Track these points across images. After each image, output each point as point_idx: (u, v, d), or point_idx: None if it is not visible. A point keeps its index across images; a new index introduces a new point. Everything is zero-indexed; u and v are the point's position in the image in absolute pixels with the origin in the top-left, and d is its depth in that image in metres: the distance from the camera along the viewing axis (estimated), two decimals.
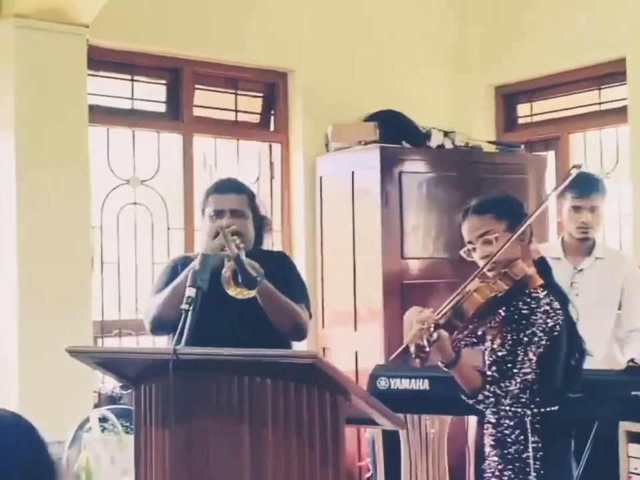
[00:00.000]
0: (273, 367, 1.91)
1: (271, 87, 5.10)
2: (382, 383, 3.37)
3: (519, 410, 2.49)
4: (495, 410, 2.52)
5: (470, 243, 2.56)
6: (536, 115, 5.52)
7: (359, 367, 4.74)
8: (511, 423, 2.50)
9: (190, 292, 2.03)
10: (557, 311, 2.46)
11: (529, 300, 2.45)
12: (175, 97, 4.74)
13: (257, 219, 3.09)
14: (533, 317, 2.43)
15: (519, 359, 2.42)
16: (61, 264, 4.07)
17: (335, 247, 4.91)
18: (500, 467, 2.53)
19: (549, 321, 2.45)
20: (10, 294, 4.03)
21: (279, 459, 1.95)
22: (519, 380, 2.45)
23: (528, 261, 2.54)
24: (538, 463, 2.47)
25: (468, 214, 2.57)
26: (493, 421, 2.55)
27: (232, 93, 4.98)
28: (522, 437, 2.49)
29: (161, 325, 2.92)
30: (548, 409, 2.49)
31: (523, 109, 5.61)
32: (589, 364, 3.02)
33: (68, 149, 4.15)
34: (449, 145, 4.84)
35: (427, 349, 2.35)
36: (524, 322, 2.43)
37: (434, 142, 4.76)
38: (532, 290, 2.47)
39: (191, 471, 2.01)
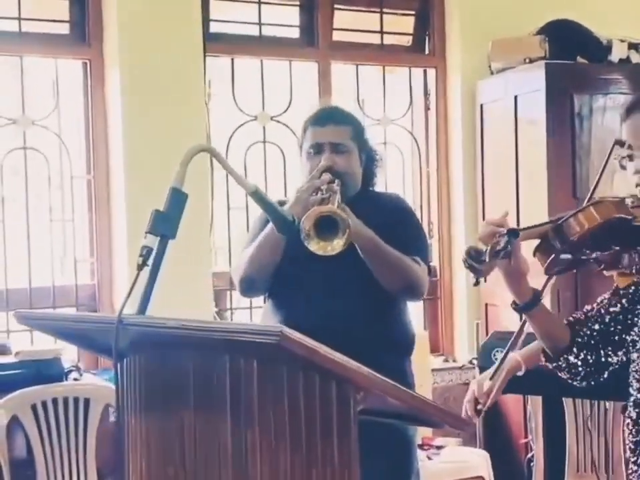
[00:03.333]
0: (258, 347, 1.37)
1: (424, 3, 4.42)
2: (498, 356, 2.69)
3: None
4: (638, 400, 1.81)
5: (630, 148, 1.86)
6: None
7: (525, 326, 4.06)
8: None
9: (147, 240, 1.53)
10: None
11: None
12: (310, 19, 4.18)
13: (365, 154, 2.61)
14: None
15: (638, 321, 1.73)
16: None
17: (497, 186, 4.22)
18: None
19: None
20: (120, 247, 3.75)
21: (267, 466, 1.42)
22: None
23: None
24: None
25: (634, 110, 1.85)
26: (634, 415, 1.84)
27: (377, 12, 4.34)
28: None
29: (251, 286, 2.55)
30: None
31: None
32: None
33: (181, 83, 3.76)
34: (636, 58, 3.97)
35: (484, 258, 1.64)
36: None
37: (615, 55, 3.90)
38: None
39: (166, 470, 1.54)
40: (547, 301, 3.83)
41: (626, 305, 1.76)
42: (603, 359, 1.76)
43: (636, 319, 1.74)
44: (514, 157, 4.05)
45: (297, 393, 1.40)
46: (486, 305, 4.36)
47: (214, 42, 3.95)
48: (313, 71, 4.20)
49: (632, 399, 1.85)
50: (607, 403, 3.50)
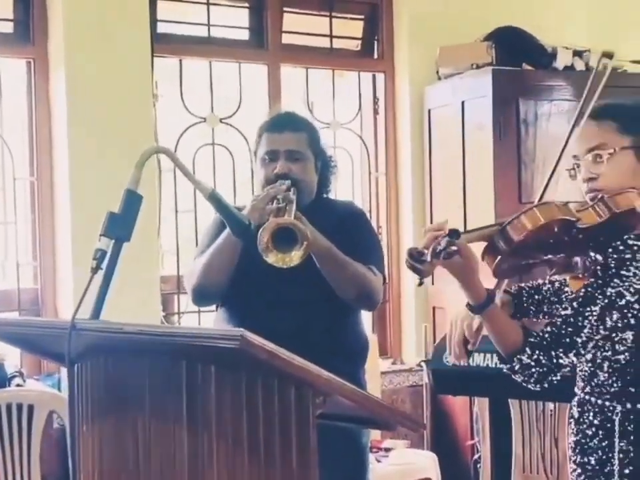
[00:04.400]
0: (216, 352, 1.36)
1: (373, 8, 4.44)
2: (449, 359, 2.70)
3: (607, 404, 1.81)
4: (581, 399, 1.86)
5: (576, 157, 1.90)
6: None
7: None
8: (595, 421, 1.83)
9: (100, 243, 1.51)
10: None
11: (622, 247, 1.74)
12: (259, 21, 4.17)
13: (320, 161, 2.59)
14: (623, 272, 1.73)
15: (587, 324, 1.74)
16: None
17: (444, 191, 4.26)
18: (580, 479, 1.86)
19: None
20: (64, 250, 3.68)
21: (224, 473, 1.41)
22: (589, 358, 1.79)
23: None
24: None
25: (578, 122, 2.03)
26: (576, 415, 1.89)
27: (326, 16, 4.35)
28: (606, 442, 1.81)
29: (203, 295, 2.52)
30: None
31: None
32: None
33: (128, 83, 3.71)
34: (580, 66, 4.04)
35: (425, 258, 1.67)
36: (607, 276, 1.74)
37: (560, 62, 3.97)
38: (632, 236, 1.75)
39: (119, 478, 1.52)
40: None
41: (577, 307, 1.77)
42: (555, 360, 1.75)
43: (586, 321, 1.75)
44: (461, 161, 4.09)
45: (256, 397, 1.39)
46: (433, 308, 4.40)
47: (161, 43, 3.91)
48: (262, 73, 4.18)
49: (576, 398, 1.89)
50: (553, 404, 3.56)
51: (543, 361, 1.74)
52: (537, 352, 1.75)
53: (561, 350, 1.74)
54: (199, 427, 1.43)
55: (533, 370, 1.75)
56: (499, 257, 1.79)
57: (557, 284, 2.07)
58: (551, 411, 3.57)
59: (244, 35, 4.22)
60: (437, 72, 4.27)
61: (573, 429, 1.89)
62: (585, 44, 4.19)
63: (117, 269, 1.52)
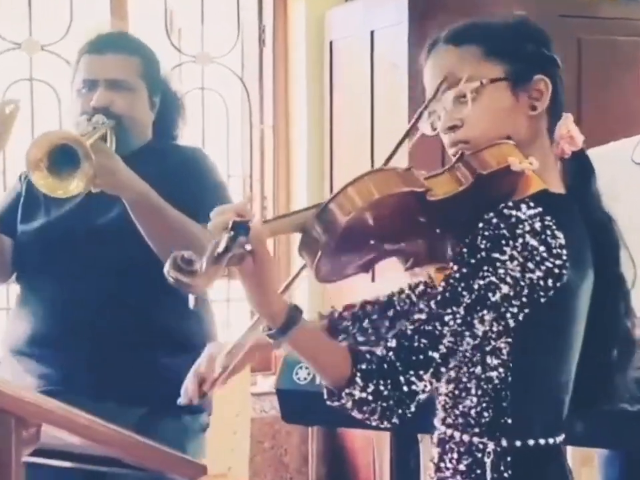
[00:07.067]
0: None
1: None
2: (301, 375, 2.37)
3: (476, 440, 1.55)
4: (441, 435, 1.61)
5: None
6: None
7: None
8: (461, 466, 1.56)
9: None
10: (555, 252, 1.49)
11: (496, 220, 1.49)
12: None
13: (158, 96, 2.42)
14: (496, 254, 1.48)
15: (448, 331, 1.48)
16: None
17: (349, 145, 3.90)
18: None
19: (530, 266, 1.48)
20: None
21: None
22: (452, 376, 1.55)
23: (538, 149, 1.59)
24: None
25: (436, 46, 1.64)
26: (436, 456, 1.62)
27: None
28: None
29: None
30: (535, 442, 1.55)
31: None
32: None
33: None
34: None
35: (197, 268, 1.33)
36: (475, 262, 1.48)
37: None
38: (509, 204, 1.49)
39: None
40: None
41: (434, 310, 1.48)
42: (405, 388, 1.47)
43: (446, 328, 1.48)
44: (369, 107, 3.74)
45: None
46: (331, 306, 3.92)
47: None
48: None
49: (436, 433, 1.64)
50: None
51: (385, 392, 1.48)
52: (375, 382, 1.48)
53: (412, 372, 1.47)
54: None
55: (373, 405, 1.48)
56: (319, 253, 1.47)
57: (420, 287, 1.79)
58: None
59: None
60: None
61: (432, 476, 1.64)
62: None
63: None
